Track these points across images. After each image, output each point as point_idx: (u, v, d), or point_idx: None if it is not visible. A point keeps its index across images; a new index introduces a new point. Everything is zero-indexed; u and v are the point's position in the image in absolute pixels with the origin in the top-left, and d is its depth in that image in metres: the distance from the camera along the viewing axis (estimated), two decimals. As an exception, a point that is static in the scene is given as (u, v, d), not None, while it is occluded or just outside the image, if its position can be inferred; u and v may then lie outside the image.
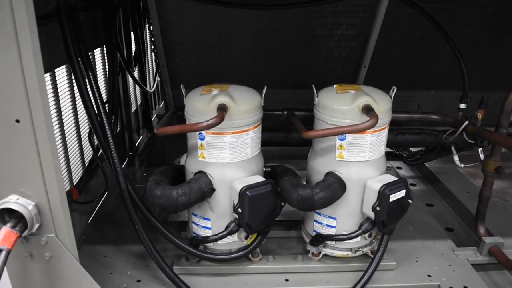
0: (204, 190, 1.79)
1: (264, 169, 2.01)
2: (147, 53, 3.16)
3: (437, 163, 3.04)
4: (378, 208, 1.79)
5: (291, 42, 2.32)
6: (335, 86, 1.92)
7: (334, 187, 1.78)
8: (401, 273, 2.04)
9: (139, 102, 3.26)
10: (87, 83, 1.78)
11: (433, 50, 2.39)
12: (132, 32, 2.62)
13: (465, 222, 2.60)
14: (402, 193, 1.82)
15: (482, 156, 2.14)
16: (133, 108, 3.15)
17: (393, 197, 1.79)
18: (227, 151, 1.79)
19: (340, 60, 2.41)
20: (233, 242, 1.95)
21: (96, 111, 1.78)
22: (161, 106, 3.79)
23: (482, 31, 2.32)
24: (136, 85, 3.01)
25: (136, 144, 3.19)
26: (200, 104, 1.76)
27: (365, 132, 1.77)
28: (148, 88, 3.01)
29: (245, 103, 1.77)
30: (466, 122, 1.99)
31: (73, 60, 1.72)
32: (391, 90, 1.90)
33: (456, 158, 2.20)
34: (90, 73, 1.78)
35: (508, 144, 1.92)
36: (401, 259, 2.11)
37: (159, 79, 2.79)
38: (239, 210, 1.77)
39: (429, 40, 2.31)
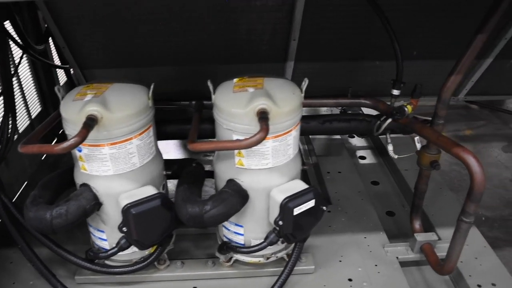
0: (86, 207, 1.58)
1: (165, 172, 1.80)
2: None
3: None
4: (280, 223, 1.59)
5: (207, 15, 2.00)
6: (235, 80, 1.65)
7: (230, 202, 1.57)
8: (320, 276, 1.89)
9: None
10: None
11: (375, 17, 2.06)
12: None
13: (409, 204, 2.41)
14: (310, 204, 1.61)
15: (418, 146, 1.90)
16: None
17: (298, 210, 1.58)
18: (109, 163, 1.56)
19: (265, 33, 2.10)
20: (133, 252, 1.78)
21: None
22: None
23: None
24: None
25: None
26: (69, 114, 1.50)
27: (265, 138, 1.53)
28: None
29: (122, 109, 1.51)
30: (389, 120, 1.73)
31: None
32: (303, 83, 1.63)
33: (390, 147, 1.96)
34: None
35: (439, 142, 1.68)
36: (324, 259, 1.96)
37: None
38: (124, 229, 1.58)
39: (366, 8, 1.98)
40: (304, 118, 2.03)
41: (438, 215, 2.24)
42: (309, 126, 1.98)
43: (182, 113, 2.11)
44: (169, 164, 1.92)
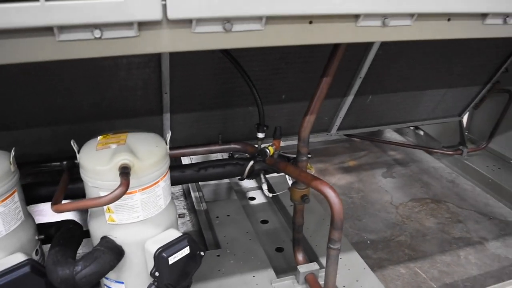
0: None
1: (37, 237, 1.75)
2: None
3: (278, 172, 2.95)
4: (157, 274, 1.60)
5: (74, 76, 2.02)
6: (99, 138, 1.67)
7: (102, 259, 1.56)
8: (209, 322, 1.90)
9: None
10: None
11: (243, 65, 2.21)
12: None
13: (296, 238, 2.53)
14: (185, 251, 1.65)
15: (290, 183, 2.03)
16: None
17: (173, 259, 1.61)
18: (-33, 235, 1.49)
19: (138, 89, 2.16)
20: (8, 326, 1.68)
21: None
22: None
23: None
24: None
25: None
26: None
27: (132, 192, 1.56)
28: None
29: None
30: (251, 163, 1.85)
31: None
32: (167, 135, 1.70)
33: (264, 187, 2.07)
34: None
35: (300, 178, 1.82)
36: (213, 304, 1.98)
37: None
38: (-9, 303, 1.50)
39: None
40: (179, 168, 2.11)
41: (322, 245, 2.37)
42: (184, 175, 2.04)
43: (60, 174, 2.07)
44: (45, 227, 1.86)
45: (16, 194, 1.61)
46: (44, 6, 0.97)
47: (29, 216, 1.74)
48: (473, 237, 2.91)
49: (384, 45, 2.39)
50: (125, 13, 1.02)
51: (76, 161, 1.91)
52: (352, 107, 2.73)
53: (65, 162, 1.92)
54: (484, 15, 1.49)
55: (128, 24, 1.05)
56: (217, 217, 2.58)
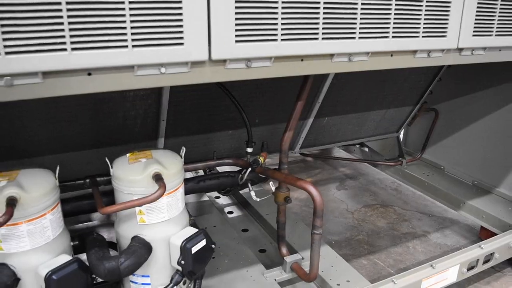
0: (7, 284, 1.77)
1: (72, 243, 2.06)
2: None
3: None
4: (183, 262, 1.97)
5: (84, 107, 2.37)
6: (128, 155, 2.05)
7: (139, 253, 1.91)
8: (218, 308, 2.27)
9: None
10: None
11: (223, 97, 2.66)
12: None
13: (275, 241, 2.96)
14: (203, 243, 2.03)
15: (273, 188, 2.48)
16: None
17: (195, 249, 1.99)
18: (26, 240, 1.80)
19: (138, 117, 2.54)
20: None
21: None
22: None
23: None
24: None
25: None
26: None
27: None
28: None
29: (37, 189, 1.79)
30: (249, 169, 2.30)
31: None
32: (181, 151, 2.10)
33: (252, 193, 2.50)
34: None
35: (287, 180, 2.27)
36: (218, 295, 2.36)
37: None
38: (48, 296, 1.79)
39: (216, 90, 2.57)
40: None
41: (298, 242, 2.82)
42: (187, 187, 2.43)
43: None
44: (69, 238, 2.17)
45: (59, 205, 1.94)
46: (132, 51, 1.38)
47: (65, 225, 2.05)
48: (417, 232, 3.50)
49: (337, 75, 2.96)
50: (185, 56, 1.46)
51: (98, 179, 2.27)
52: (312, 127, 3.26)
53: (87, 180, 2.25)
54: (414, 51, 2.06)
55: (185, 63, 1.49)
56: (205, 228, 2.96)
